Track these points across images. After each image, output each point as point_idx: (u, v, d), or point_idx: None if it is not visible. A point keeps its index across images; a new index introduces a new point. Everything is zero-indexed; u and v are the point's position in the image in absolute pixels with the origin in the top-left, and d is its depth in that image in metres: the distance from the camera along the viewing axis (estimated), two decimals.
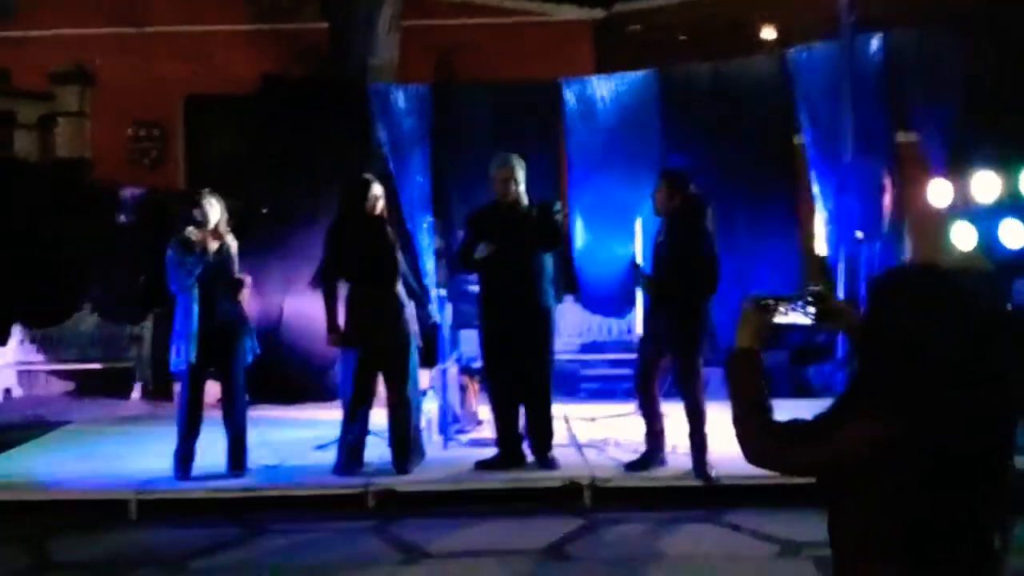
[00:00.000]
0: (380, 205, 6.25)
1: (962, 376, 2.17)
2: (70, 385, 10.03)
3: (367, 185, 6.22)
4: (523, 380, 6.24)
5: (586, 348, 9.16)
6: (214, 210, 6.18)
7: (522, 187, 6.27)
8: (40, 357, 9.90)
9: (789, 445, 2.25)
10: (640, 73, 9.44)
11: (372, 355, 6.15)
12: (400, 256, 6.32)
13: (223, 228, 6.22)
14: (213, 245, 6.11)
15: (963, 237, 7.61)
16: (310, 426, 7.25)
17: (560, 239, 6.51)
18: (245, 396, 6.31)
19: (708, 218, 6.14)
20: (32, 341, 9.86)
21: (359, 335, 6.13)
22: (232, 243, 6.25)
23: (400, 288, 6.24)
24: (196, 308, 6.01)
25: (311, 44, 11.10)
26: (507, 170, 6.22)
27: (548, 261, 6.30)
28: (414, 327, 6.31)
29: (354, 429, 6.17)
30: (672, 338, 6.06)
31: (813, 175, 9.03)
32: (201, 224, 6.12)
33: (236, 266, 6.26)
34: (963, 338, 2.19)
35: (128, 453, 6.85)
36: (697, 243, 6.05)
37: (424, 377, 7.27)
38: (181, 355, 6.02)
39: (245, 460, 6.27)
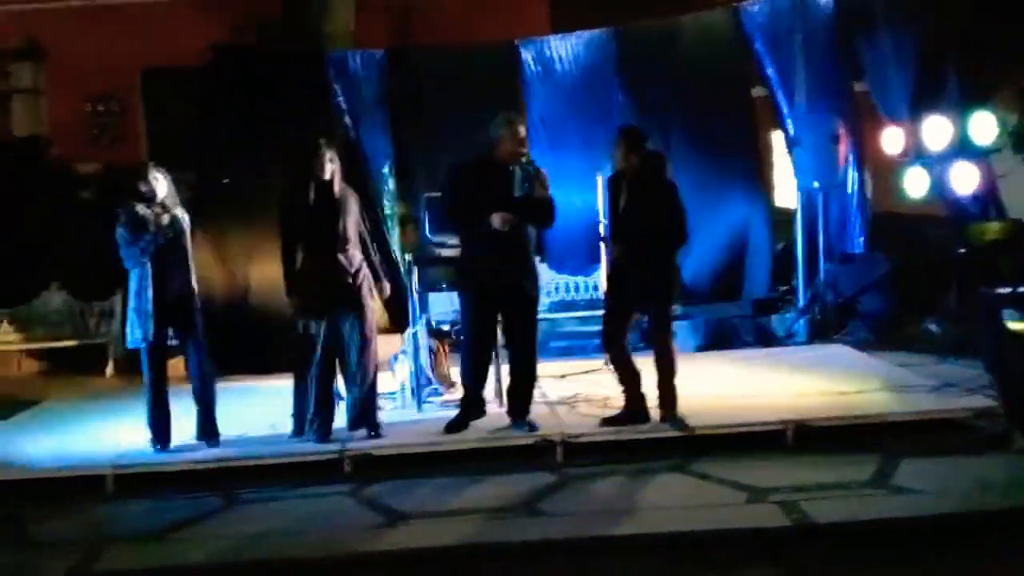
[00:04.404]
0: (330, 168, 6.14)
1: None
2: (42, 364, 10.00)
3: (317, 148, 6.14)
4: (510, 343, 6.29)
5: (555, 307, 9.28)
6: (160, 184, 6.16)
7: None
8: (10, 338, 9.87)
9: None
10: (597, 31, 9.48)
11: (329, 318, 6.17)
12: (360, 222, 6.30)
13: (170, 202, 6.20)
14: (164, 219, 6.12)
15: (916, 183, 7.78)
16: (284, 395, 7.29)
17: (554, 220, 6.32)
18: (210, 366, 6.34)
19: (668, 172, 6.26)
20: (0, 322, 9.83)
21: (314, 300, 6.13)
22: (183, 216, 6.25)
23: (354, 252, 6.19)
24: (150, 284, 6.05)
25: (266, 12, 10.98)
26: (519, 128, 6.19)
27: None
28: (369, 290, 6.28)
29: (309, 394, 6.21)
30: (646, 291, 6.17)
31: (771, 126, 9.15)
32: (149, 199, 6.13)
33: (188, 240, 6.27)
34: None
35: (103, 429, 6.89)
36: (665, 197, 6.17)
37: (396, 342, 7.35)
38: (137, 332, 6.08)
39: (214, 429, 6.34)
